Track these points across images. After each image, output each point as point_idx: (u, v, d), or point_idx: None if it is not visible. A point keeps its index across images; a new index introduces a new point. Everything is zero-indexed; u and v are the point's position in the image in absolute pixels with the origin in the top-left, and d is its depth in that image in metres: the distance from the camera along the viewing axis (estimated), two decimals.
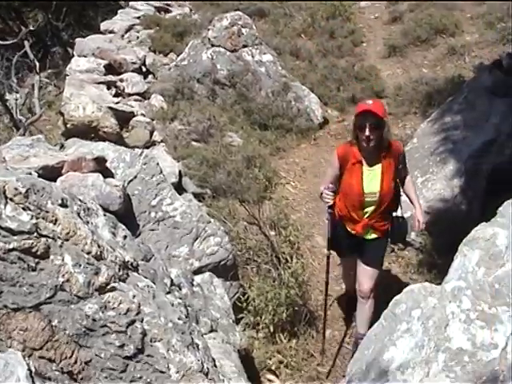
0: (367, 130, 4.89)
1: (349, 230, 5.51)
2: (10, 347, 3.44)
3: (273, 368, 5.72)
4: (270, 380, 5.70)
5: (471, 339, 2.54)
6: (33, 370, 3.13)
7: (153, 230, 5.76)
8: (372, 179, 5.17)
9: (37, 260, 3.52)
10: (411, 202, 5.61)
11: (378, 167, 5.15)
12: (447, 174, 7.57)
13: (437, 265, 6.54)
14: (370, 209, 5.28)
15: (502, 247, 2.85)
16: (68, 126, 8.38)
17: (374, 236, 5.45)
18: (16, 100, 10.97)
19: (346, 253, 5.85)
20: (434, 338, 2.56)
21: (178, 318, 3.86)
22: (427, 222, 5.38)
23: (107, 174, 5.78)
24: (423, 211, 5.56)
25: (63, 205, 3.77)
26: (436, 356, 2.52)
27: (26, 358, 3.17)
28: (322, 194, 5.40)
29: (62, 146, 7.38)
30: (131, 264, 3.90)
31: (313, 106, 10.56)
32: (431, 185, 7.56)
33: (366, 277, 5.57)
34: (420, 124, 9.24)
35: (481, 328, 2.56)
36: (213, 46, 10.86)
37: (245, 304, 5.96)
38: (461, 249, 2.96)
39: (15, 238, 3.47)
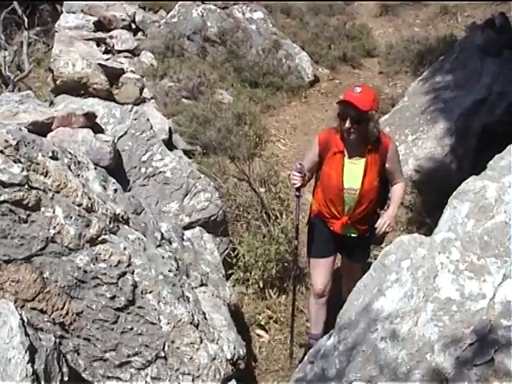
0: (348, 122, 4.45)
1: (329, 227, 4.94)
2: (1, 298, 3.45)
3: (262, 323, 5.76)
4: (259, 335, 5.75)
5: (460, 289, 2.56)
6: (25, 320, 3.14)
7: (143, 185, 5.76)
8: (353, 174, 4.65)
9: (28, 212, 3.53)
10: (389, 201, 4.99)
11: (361, 162, 4.64)
12: (438, 133, 7.57)
13: (426, 223, 6.55)
14: (349, 205, 4.75)
15: (491, 200, 2.87)
16: (57, 82, 8.31)
17: (354, 235, 4.92)
18: (4, 57, 10.85)
19: (324, 252, 5.07)
20: (423, 288, 2.59)
21: (169, 271, 3.88)
22: (392, 226, 4.77)
23: (97, 129, 5.76)
24: (395, 215, 4.86)
25: (54, 157, 3.76)
26: (425, 305, 2.55)
27: (18, 309, 3.18)
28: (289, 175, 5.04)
29: (52, 103, 7.32)
30: (122, 217, 3.91)
31: (303, 64, 10.54)
32: (421, 143, 7.58)
33: (350, 278, 5.05)
34: (411, 83, 9.24)
35: (469, 279, 2.59)
36: (203, 2, 10.77)
37: (235, 260, 6.00)
38: (450, 201, 2.98)
39: (6, 190, 3.47)
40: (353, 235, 4.91)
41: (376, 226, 4.73)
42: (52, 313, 3.62)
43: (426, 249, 2.72)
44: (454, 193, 3.04)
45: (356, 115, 4.40)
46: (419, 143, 7.59)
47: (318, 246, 5.06)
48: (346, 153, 4.64)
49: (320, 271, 5.06)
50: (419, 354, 2.46)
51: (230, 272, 5.87)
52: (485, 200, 2.89)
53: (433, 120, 7.76)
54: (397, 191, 4.88)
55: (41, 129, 5.13)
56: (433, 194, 6.82)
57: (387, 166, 4.70)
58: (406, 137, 7.73)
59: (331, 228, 4.88)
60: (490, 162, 3.28)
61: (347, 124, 4.44)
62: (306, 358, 3.01)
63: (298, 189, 4.84)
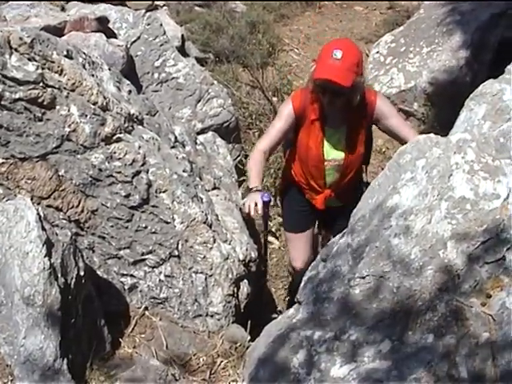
0: (327, 96, 3.76)
1: (307, 198, 4.30)
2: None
3: (273, 230, 5.82)
4: (269, 242, 5.81)
5: (474, 189, 2.57)
6: (42, 215, 3.18)
7: (156, 91, 5.73)
8: (335, 143, 3.98)
9: (43, 110, 3.53)
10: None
11: (343, 128, 3.96)
12: (453, 46, 7.45)
13: None
14: (332, 178, 4.11)
15: (508, 102, 2.85)
16: None
17: (339, 204, 4.22)
18: None
19: (302, 226, 4.47)
20: (437, 186, 2.60)
21: (183, 171, 3.90)
22: None
23: (110, 34, 5.69)
24: None
25: (68, 56, 3.74)
26: (439, 204, 2.56)
27: (35, 205, 3.22)
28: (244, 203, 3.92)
29: (63, 9, 7.22)
30: (136, 117, 3.90)
31: None
32: (436, 55, 7.46)
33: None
34: None
35: (484, 179, 2.59)
36: None
37: (246, 166, 6.00)
38: (467, 103, 2.96)
39: (21, 87, 3.47)
40: (336, 205, 4.23)
41: None
42: (67, 210, 3.67)
43: (441, 149, 2.71)
44: (471, 95, 3.02)
45: (338, 90, 3.68)
46: (434, 55, 7.47)
47: (294, 218, 4.46)
48: (325, 120, 3.95)
49: (299, 246, 4.51)
50: (432, 250, 2.49)
51: (241, 179, 5.89)
52: (502, 102, 2.87)
53: (449, 32, 7.61)
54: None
55: (53, 33, 5.05)
56: (446, 107, 6.76)
57: (383, 124, 3.96)
58: (421, 49, 7.60)
59: (312, 202, 4.24)
60: (508, 66, 3.24)
61: (327, 98, 3.77)
62: (318, 256, 3.05)
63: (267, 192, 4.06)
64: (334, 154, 3.98)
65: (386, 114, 3.92)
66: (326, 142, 3.96)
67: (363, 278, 2.61)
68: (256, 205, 3.76)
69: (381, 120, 3.93)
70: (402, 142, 3.77)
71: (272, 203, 4.32)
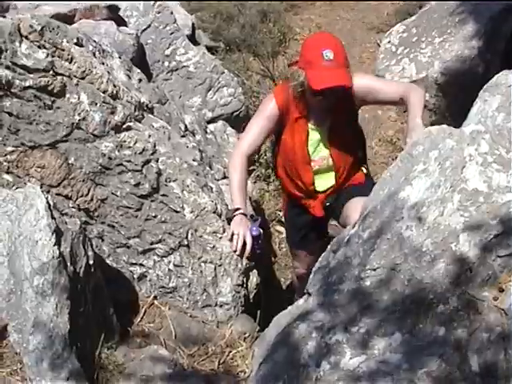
0: (327, 99, 3.56)
1: (307, 209, 3.98)
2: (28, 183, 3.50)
3: (282, 220, 5.81)
4: (278, 231, 5.82)
5: (487, 181, 2.55)
6: (51, 203, 3.18)
7: (166, 79, 5.75)
8: (320, 141, 3.75)
9: (53, 98, 3.53)
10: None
11: (327, 125, 3.72)
12: (466, 35, 7.40)
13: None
14: (325, 180, 3.85)
15: None
16: None
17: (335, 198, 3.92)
18: None
19: (307, 244, 4.23)
20: (450, 178, 2.57)
21: (193, 160, 3.89)
22: None
23: (120, 22, 5.70)
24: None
25: (79, 44, 3.73)
26: (451, 196, 2.54)
27: (45, 193, 3.21)
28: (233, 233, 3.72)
29: None
30: (146, 106, 3.89)
31: None
32: (448, 45, 7.41)
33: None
34: None
35: (497, 171, 2.57)
36: None
37: (256, 156, 5.99)
38: (481, 94, 2.93)
39: (31, 75, 3.47)
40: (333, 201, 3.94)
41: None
42: (77, 199, 3.66)
43: (454, 140, 2.68)
44: (485, 86, 2.98)
45: (340, 91, 3.51)
46: (446, 45, 7.42)
47: (297, 238, 4.23)
48: (309, 117, 3.73)
49: (303, 259, 4.33)
50: (444, 242, 2.46)
51: (251, 169, 5.87)
52: None
53: (461, 22, 7.56)
54: (411, 100, 3.55)
55: (63, 21, 5.03)
56: (458, 97, 6.73)
57: (370, 99, 3.72)
58: (433, 39, 7.55)
59: (311, 211, 3.94)
60: None
61: (326, 101, 3.58)
62: (329, 247, 3.03)
63: (255, 220, 3.82)
64: (320, 153, 3.76)
65: (368, 90, 3.66)
66: (310, 141, 3.74)
67: (374, 269, 2.60)
68: (245, 243, 3.66)
69: (363, 97, 3.69)
70: (397, 104, 3.95)
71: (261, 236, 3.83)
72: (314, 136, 3.75)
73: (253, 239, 3.70)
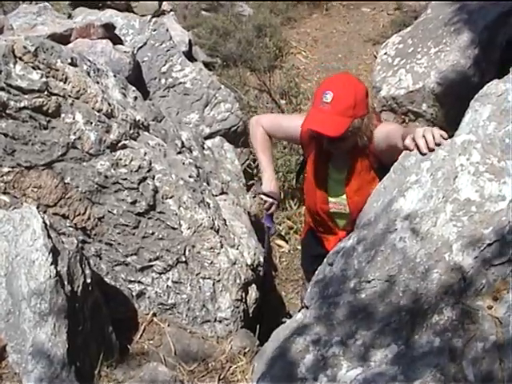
0: (325, 143, 3.37)
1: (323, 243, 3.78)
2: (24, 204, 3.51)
3: (282, 233, 5.82)
4: (279, 245, 5.82)
5: (479, 191, 2.55)
6: (48, 223, 3.19)
7: (163, 96, 5.76)
8: (338, 185, 3.52)
9: (48, 118, 3.55)
10: None
11: (346, 170, 3.47)
12: (461, 45, 7.41)
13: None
14: (342, 221, 3.64)
15: None
16: None
17: None
18: None
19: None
20: (442, 189, 2.58)
21: (189, 176, 3.90)
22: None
23: (116, 40, 5.74)
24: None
25: (73, 64, 3.76)
26: (444, 206, 2.55)
27: (41, 213, 3.23)
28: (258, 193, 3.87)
29: (70, 16, 7.27)
30: (142, 123, 3.91)
31: None
32: (444, 56, 7.42)
33: None
34: None
35: (489, 180, 2.57)
36: None
37: (255, 171, 6.01)
38: (472, 104, 2.93)
39: (26, 96, 3.49)
40: None
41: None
42: (74, 218, 3.68)
43: (446, 150, 2.69)
44: (476, 96, 2.99)
45: (331, 139, 3.25)
46: (442, 56, 7.43)
47: (311, 263, 3.82)
48: (329, 158, 3.52)
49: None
50: (438, 253, 2.47)
51: (250, 183, 5.88)
52: (507, 103, 2.85)
53: (456, 32, 7.58)
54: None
55: (59, 41, 5.09)
56: (455, 107, 6.73)
57: (387, 156, 3.21)
58: (429, 49, 7.56)
59: (326, 245, 3.71)
60: None
61: (325, 144, 3.39)
62: (325, 260, 3.03)
63: (270, 216, 3.99)
64: (337, 198, 3.53)
65: (387, 142, 3.24)
66: (329, 181, 3.53)
67: (369, 281, 2.60)
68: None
69: (382, 152, 3.30)
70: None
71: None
72: (334, 176, 3.53)
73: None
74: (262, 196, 3.84)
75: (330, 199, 3.55)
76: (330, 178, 3.53)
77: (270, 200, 3.82)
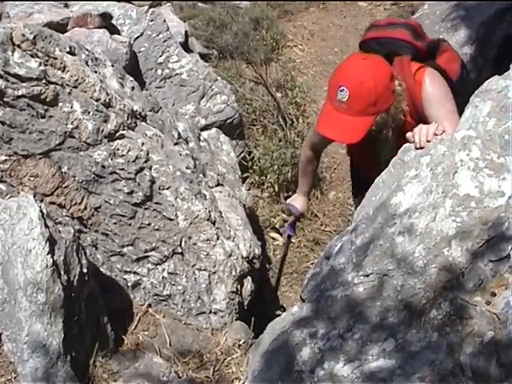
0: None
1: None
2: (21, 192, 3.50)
3: (277, 226, 5.81)
4: (273, 238, 5.81)
5: (479, 187, 2.55)
6: (44, 212, 3.18)
7: (159, 87, 5.73)
8: (389, 151, 3.13)
9: (46, 107, 3.54)
10: None
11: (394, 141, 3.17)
12: (458, 41, 7.40)
13: None
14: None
15: None
16: None
17: None
18: None
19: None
20: (441, 184, 2.58)
21: (186, 168, 3.90)
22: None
23: (113, 30, 5.70)
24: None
25: (71, 53, 3.74)
26: (443, 201, 2.55)
27: (38, 202, 3.22)
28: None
29: (66, 5, 7.23)
30: (139, 114, 3.90)
31: None
32: None
33: None
34: None
35: (489, 176, 2.57)
36: None
37: (250, 163, 6.00)
38: (472, 100, 2.93)
39: (24, 84, 3.47)
40: None
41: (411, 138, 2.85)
42: (70, 207, 3.67)
43: (446, 146, 2.69)
44: (476, 91, 2.98)
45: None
46: None
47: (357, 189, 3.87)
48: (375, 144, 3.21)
49: None
50: (436, 248, 2.47)
51: (245, 176, 5.87)
52: (507, 99, 2.84)
53: (453, 28, 7.57)
54: None
55: (56, 29, 5.04)
56: None
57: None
58: None
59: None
60: None
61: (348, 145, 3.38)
62: (322, 253, 3.03)
63: (291, 225, 4.23)
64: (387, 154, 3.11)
65: (428, 105, 3.07)
66: (381, 155, 3.23)
67: (367, 276, 2.60)
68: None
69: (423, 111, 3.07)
70: None
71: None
72: (384, 147, 3.22)
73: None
74: (284, 205, 4.11)
75: (382, 159, 3.14)
76: (380, 152, 3.25)
77: (291, 211, 4.07)
